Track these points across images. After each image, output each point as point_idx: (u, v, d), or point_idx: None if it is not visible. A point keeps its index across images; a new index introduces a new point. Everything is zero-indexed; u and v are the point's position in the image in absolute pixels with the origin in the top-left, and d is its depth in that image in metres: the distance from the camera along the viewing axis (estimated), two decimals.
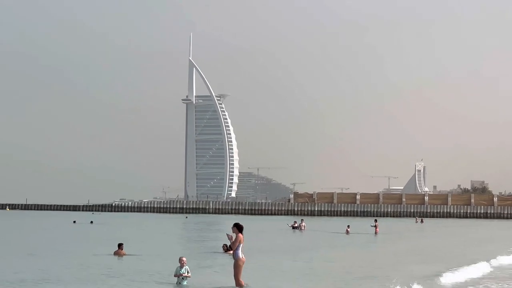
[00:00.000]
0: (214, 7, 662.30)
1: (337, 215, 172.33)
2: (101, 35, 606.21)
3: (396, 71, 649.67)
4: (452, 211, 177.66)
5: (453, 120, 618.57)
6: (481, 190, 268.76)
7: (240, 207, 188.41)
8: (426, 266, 33.91)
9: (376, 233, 70.36)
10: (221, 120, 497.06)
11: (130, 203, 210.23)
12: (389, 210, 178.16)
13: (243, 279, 23.79)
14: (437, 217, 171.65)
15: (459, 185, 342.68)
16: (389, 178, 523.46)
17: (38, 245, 49.18)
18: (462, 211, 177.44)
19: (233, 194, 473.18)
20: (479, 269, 32.03)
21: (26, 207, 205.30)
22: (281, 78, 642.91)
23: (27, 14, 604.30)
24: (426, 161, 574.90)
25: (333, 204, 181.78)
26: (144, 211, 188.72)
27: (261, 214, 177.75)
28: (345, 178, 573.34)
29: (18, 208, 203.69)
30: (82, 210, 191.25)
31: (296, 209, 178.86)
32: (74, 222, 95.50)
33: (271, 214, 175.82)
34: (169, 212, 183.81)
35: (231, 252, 24.58)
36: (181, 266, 25.45)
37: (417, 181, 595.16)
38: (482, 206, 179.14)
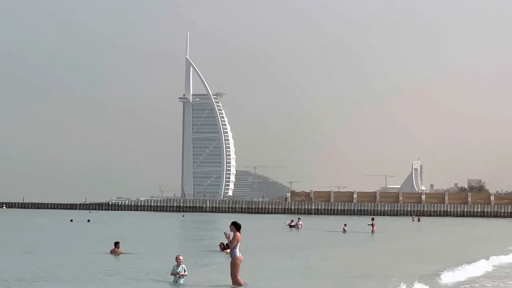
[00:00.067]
0: (212, 6, 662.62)
1: (334, 214, 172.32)
2: (97, 33, 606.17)
3: (393, 70, 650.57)
4: (449, 210, 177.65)
5: (450, 118, 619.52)
6: (478, 189, 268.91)
7: (237, 206, 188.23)
8: (423, 265, 33.91)
9: (373, 231, 70.39)
10: (218, 118, 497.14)
11: (127, 201, 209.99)
12: (386, 208, 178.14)
13: (241, 278, 23.79)
14: (434, 215, 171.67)
15: (456, 184, 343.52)
16: (386, 177, 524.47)
17: (35, 243, 49.10)
18: (459, 210, 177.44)
19: (230, 193, 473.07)
20: (477, 268, 32.01)
21: (22, 205, 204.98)
22: (278, 76, 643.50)
23: (23, 14, 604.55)
24: (423, 160, 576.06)
25: (330, 202, 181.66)
26: (141, 210, 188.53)
27: (258, 212, 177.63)
28: (342, 176, 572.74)
29: (14, 206, 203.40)
30: (79, 209, 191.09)
31: (293, 207, 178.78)
32: (71, 220, 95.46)
33: (268, 213, 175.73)
34: (166, 211, 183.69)
35: (228, 250, 24.57)
36: (178, 265, 25.42)
37: (414, 180, 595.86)
38: (479, 205, 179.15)
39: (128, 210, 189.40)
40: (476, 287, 26.43)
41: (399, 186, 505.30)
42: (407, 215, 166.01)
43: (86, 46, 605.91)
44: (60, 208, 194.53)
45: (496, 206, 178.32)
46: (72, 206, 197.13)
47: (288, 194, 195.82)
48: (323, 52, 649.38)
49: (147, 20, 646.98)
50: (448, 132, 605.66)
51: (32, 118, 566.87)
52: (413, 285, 24.19)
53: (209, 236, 63.12)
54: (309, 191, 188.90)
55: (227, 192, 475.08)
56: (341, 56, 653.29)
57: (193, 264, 30.58)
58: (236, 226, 23.38)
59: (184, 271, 25.42)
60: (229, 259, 23.88)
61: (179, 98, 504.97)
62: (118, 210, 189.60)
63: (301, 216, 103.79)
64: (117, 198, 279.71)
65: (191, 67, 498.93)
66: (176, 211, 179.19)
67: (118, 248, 38.17)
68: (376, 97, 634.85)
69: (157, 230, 76.52)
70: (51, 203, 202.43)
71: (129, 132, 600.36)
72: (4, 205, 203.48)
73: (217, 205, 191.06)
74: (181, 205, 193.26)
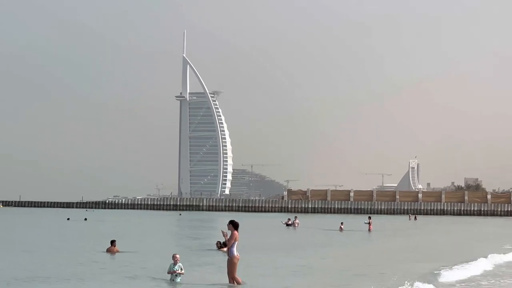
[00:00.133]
0: (209, 4, 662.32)
1: (330, 212, 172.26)
2: (95, 32, 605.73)
3: (391, 69, 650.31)
4: (445, 208, 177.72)
5: (447, 117, 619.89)
6: (474, 188, 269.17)
7: (234, 204, 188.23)
8: (420, 263, 33.88)
9: (369, 230, 70.37)
10: (215, 117, 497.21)
11: (123, 200, 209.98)
12: (382, 207, 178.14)
13: (238, 277, 23.75)
14: (430, 214, 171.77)
15: (452, 183, 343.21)
16: (382, 175, 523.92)
17: (32, 242, 49.03)
18: (455, 208, 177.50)
19: (227, 191, 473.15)
20: (475, 267, 31.97)
21: (19, 204, 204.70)
22: (274, 75, 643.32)
23: (23, 14, 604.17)
24: (420, 159, 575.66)
25: (326, 201, 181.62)
26: (137, 208, 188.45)
27: (254, 211, 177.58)
28: (339, 175, 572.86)
29: (11, 205, 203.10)
30: (76, 207, 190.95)
31: (289, 206, 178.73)
32: (68, 219, 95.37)
33: (265, 211, 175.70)
34: (163, 209, 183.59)
35: (225, 249, 24.54)
36: (175, 263, 25.37)
37: (410, 179, 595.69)
38: (476, 204, 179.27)
39: (125, 208, 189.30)
40: (474, 285, 26.41)
41: (396, 185, 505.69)
42: (404, 213, 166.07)
43: (83, 45, 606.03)
44: (57, 207, 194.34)
45: (493, 204, 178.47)
46: (69, 205, 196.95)
47: (285, 193, 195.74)
48: (317, 48, 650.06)
49: (143, 19, 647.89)
50: (445, 131, 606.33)
51: (32, 118, 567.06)
52: (412, 284, 24.14)
53: (205, 234, 63.08)
54: (306, 190, 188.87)
55: (224, 191, 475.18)
56: (336, 52, 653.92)
57: (189, 263, 30.54)
58: (234, 225, 23.33)
59: (181, 269, 25.37)
60: (226, 258, 23.83)
61: (176, 97, 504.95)
62: (115, 208, 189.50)
63: (298, 215, 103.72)
64: (114, 196, 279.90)
65: (188, 65, 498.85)
66: (173, 210, 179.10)
67: (115, 246, 38.10)
68: (371, 95, 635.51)
69: (153, 228, 76.46)
70: (48, 202, 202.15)
71: (125, 131, 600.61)
72: (1, 204, 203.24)
73: (214, 204, 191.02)
74: (178, 203, 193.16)
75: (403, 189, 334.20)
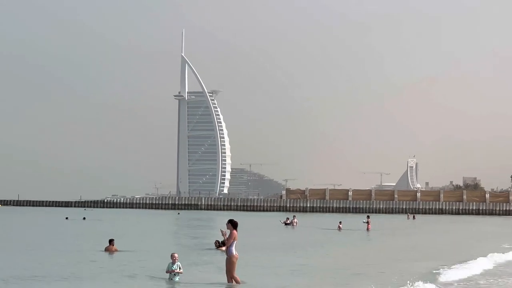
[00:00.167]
0: (208, 3, 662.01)
1: (329, 212, 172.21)
2: (93, 31, 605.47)
3: (388, 67, 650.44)
4: (444, 208, 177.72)
5: (445, 117, 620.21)
6: (473, 187, 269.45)
7: (232, 203, 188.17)
8: (419, 262, 33.89)
9: (368, 229, 70.35)
10: (214, 116, 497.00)
11: (122, 199, 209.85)
12: (381, 206, 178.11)
13: (237, 276, 23.74)
14: (429, 213, 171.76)
15: (451, 182, 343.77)
16: (381, 175, 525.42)
17: (30, 241, 48.98)
18: (454, 208, 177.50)
19: (225, 190, 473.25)
20: (473, 266, 31.98)
21: (18, 203, 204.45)
22: (273, 74, 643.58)
23: (23, 14, 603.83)
24: (419, 158, 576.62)
25: (325, 200, 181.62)
26: (136, 207, 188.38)
27: (253, 210, 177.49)
28: (337, 174, 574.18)
29: (10, 204, 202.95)
30: (74, 207, 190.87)
31: (288, 205, 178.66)
32: (67, 218, 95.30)
33: (263, 211, 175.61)
34: (161, 208, 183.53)
35: (223, 248, 24.53)
36: (173, 262, 25.36)
37: (409, 178, 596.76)
38: (474, 203, 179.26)
39: (123, 207, 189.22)
40: (473, 284, 26.41)
41: (394, 184, 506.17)
42: (402, 212, 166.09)
43: (81, 44, 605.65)
44: (56, 206, 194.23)
45: (491, 204, 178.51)
46: (67, 204, 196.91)
47: (283, 192, 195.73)
48: (315, 48, 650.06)
49: (142, 17, 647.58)
50: (443, 130, 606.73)
51: (32, 118, 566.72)
52: (411, 283, 24.14)
53: (204, 233, 63.05)
54: (304, 189, 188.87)
55: (223, 190, 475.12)
56: (341, 56, 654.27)
57: (188, 262, 30.52)
58: (233, 224, 23.31)
59: (179, 268, 25.36)
60: (224, 257, 23.82)
61: (175, 96, 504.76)
62: (113, 207, 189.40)
63: (297, 214, 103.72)
64: (112, 195, 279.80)
65: (186, 64, 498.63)
66: (171, 209, 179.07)
67: (113, 245, 38.06)
68: (369, 94, 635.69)
69: (152, 227, 76.44)
70: (46, 201, 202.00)
71: (124, 130, 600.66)
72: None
73: (213, 203, 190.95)
74: (176, 202, 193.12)
75: (402, 188, 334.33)
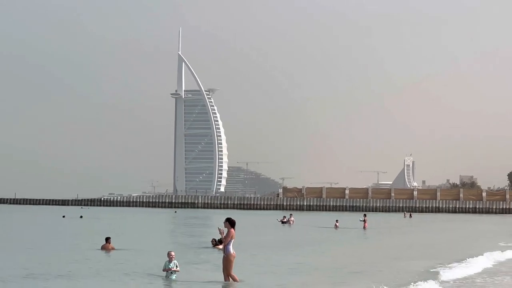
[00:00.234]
0: (205, 2, 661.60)
1: (326, 210, 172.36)
2: (89, 29, 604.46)
3: (391, 68, 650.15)
4: (441, 206, 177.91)
5: (442, 114, 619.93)
6: (470, 185, 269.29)
7: (229, 202, 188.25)
8: (416, 261, 33.92)
9: (365, 227, 70.42)
10: (210, 114, 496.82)
11: (119, 197, 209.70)
12: (378, 205, 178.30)
13: (235, 274, 23.74)
14: (426, 212, 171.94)
15: (448, 180, 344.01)
16: (378, 173, 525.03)
17: (27, 240, 48.93)
18: (451, 206, 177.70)
19: (222, 189, 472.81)
20: (470, 264, 31.99)
21: (14, 201, 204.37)
22: (269, 73, 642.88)
23: (23, 14, 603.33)
24: (415, 156, 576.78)
25: (322, 198, 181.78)
26: (133, 206, 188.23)
27: (250, 208, 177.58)
28: (334, 173, 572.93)
29: (6, 202, 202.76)
30: (71, 205, 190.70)
31: (285, 203, 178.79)
32: (63, 216, 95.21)
33: (260, 209, 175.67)
34: (158, 207, 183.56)
35: (220, 246, 24.52)
36: (170, 261, 25.36)
37: (406, 176, 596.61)
38: (471, 201, 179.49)
39: (120, 206, 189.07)
40: (470, 283, 26.42)
41: (391, 182, 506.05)
42: (399, 211, 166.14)
43: (77, 42, 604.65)
44: (52, 204, 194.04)
45: (488, 202, 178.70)
46: (64, 202, 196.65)
47: (280, 190, 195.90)
48: (313, 47, 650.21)
49: (139, 15, 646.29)
50: (439, 128, 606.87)
51: (32, 118, 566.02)
52: (408, 281, 24.15)
53: (201, 232, 63.03)
54: (301, 187, 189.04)
55: (219, 188, 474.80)
56: (341, 56, 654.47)
57: (185, 260, 30.49)
58: (230, 223, 23.31)
59: (176, 266, 25.36)
60: (221, 255, 23.82)
61: (171, 94, 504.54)
62: (110, 206, 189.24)
63: (293, 212, 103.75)
64: (109, 194, 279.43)
65: (183, 63, 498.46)
66: (168, 207, 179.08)
67: (109, 243, 38.02)
68: (366, 93, 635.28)
69: (149, 226, 76.42)
70: (43, 199, 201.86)
71: (121, 128, 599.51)
72: None
73: (209, 201, 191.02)
74: (173, 201, 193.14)
75: (398, 187, 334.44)
